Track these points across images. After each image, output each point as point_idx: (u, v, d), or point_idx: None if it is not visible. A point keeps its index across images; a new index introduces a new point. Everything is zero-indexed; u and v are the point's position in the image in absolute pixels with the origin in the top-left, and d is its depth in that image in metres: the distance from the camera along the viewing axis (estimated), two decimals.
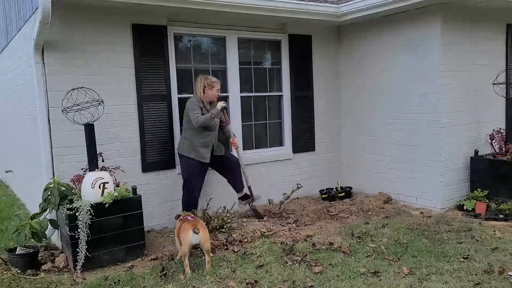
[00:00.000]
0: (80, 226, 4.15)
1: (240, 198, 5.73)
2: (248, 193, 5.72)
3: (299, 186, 5.91)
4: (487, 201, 5.63)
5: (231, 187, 5.78)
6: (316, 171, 6.98)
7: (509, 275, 3.76)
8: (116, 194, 4.41)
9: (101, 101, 4.60)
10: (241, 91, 6.24)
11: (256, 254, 4.47)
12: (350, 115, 7.00)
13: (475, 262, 4.08)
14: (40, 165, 5.01)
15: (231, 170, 5.57)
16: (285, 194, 5.84)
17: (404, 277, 3.86)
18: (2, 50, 7.68)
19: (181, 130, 5.68)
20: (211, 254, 4.25)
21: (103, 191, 4.32)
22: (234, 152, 5.66)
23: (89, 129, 4.53)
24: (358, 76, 6.82)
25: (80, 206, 4.19)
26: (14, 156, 7.54)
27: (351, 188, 6.88)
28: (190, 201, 5.23)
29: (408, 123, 6.13)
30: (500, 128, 6.10)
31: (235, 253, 4.55)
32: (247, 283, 3.82)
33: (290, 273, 4.01)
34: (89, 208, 4.19)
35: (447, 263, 4.10)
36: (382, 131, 6.51)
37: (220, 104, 5.14)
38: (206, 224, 5.06)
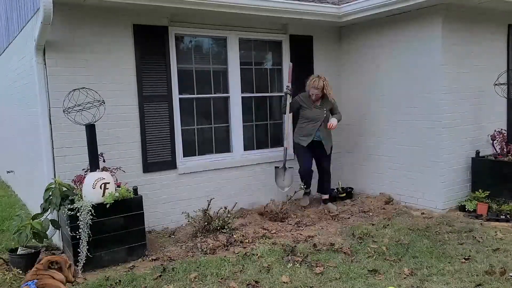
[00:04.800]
0: (81, 226, 4.16)
1: (323, 201, 6.25)
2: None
3: (302, 186, 5.90)
4: (489, 202, 5.63)
5: (230, 187, 5.79)
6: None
7: (511, 276, 3.76)
8: (117, 194, 4.42)
9: (102, 102, 4.60)
10: (242, 92, 6.23)
11: (257, 255, 4.47)
12: (351, 116, 6.99)
13: (476, 263, 4.07)
14: (41, 165, 5.02)
15: (320, 167, 6.29)
16: (287, 195, 5.83)
17: (405, 277, 3.85)
18: (4, 50, 7.69)
19: (183, 129, 5.73)
20: None
21: (104, 192, 4.33)
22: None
23: (90, 129, 4.54)
24: (359, 76, 6.81)
25: (81, 206, 4.19)
26: (16, 157, 7.55)
27: (352, 188, 6.87)
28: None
29: (409, 124, 6.12)
30: (501, 129, 6.09)
31: (236, 254, 4.54)
32: (248, 284, 3.83)
33: (291, 273, 4.01)
34: (90, 208, 4.20)
35: (448, 264, 4.09)
36: (383, 131, 6.50)
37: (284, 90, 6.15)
38: (207, 225, 5.09)
